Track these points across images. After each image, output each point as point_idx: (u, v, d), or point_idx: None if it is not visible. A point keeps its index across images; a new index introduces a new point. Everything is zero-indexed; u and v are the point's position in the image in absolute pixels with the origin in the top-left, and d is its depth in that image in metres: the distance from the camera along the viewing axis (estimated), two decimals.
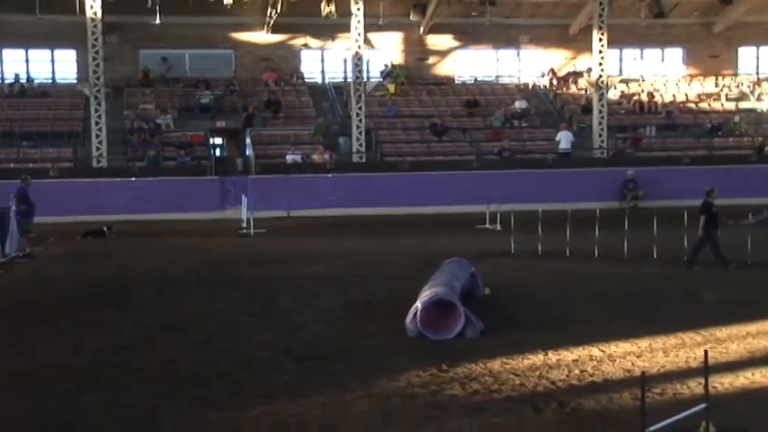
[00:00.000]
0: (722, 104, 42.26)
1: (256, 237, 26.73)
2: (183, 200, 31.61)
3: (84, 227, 27.10)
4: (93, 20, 33.22)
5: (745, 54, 45.36)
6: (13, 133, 35.57)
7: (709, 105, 42.12)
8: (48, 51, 40.39)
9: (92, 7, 33.04)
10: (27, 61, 40.44)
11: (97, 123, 33.63)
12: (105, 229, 26.88)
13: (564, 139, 37.00)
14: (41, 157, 34.03)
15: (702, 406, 8.93)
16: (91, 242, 25.75)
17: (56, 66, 40.62)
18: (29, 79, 39.78)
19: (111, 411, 9.85)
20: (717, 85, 43.54)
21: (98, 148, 33.74)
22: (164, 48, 39.85)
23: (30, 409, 9.98)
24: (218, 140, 38.24)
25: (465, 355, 11.97)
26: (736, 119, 40.65)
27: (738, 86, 43.58)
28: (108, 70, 35.27)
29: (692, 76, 44.22)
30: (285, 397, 10.32)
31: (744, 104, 42.37)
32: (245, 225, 27.79)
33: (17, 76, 39.38)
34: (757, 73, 45.21)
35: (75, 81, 38.74)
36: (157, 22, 35.41)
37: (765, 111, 42.18)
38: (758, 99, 42.92)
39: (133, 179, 32.35)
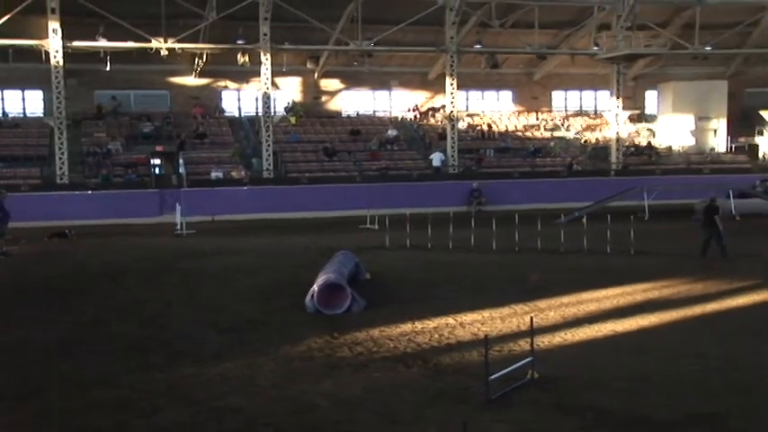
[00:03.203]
0: (541, 133, 43.15)
1: (188, 236, 26.20)
2: (129, 208, 30.85)
3: (49, 230, 26.19)
4: (56, 67, 32.63)
5: (557, 96, 46.35)
6: None
7: (532, 134, 42.98)
8: (19, 92, 38.79)
9: (55, 57, 32.45)
10: (2, 99, 38.83)
11: (60, 148, 32.78)
12: (67, 231, 26.05)
13: (435, 158, 37.43)
14: (14, 176, 32.83)
15: (529, 359, 9.16)
16: (56, 242, 24.89)
17: (26, 103, 38.99)
18: (4, 114, 38.39)
19: (76, 376, 9.58)
20: (537, 119, 44.45)
21: (61, 168, 32.77)
22: (113, 89, 38.71)
23: (7, 376, 9.62)
24: (158, 161, 37.36)
25: (352, 326, 11.99)
26: (552, 144, 41.67)
27: (552, 120, 44.63)
28: (68, 107, 34.16)
29: (519, 112, 45.09)
30: (212, 361, 10.18)
31: (557, 133, 43.33)
32: (178, 227, 27.21)
33: None
34: (566, 110, 46.34)
35: (41, 115, 37.37)
36: (108, 68, 34.47)
37: (572, 138, 43.35)
38: (567, 129, 44.07)
39: (89, 192, 31.44)
